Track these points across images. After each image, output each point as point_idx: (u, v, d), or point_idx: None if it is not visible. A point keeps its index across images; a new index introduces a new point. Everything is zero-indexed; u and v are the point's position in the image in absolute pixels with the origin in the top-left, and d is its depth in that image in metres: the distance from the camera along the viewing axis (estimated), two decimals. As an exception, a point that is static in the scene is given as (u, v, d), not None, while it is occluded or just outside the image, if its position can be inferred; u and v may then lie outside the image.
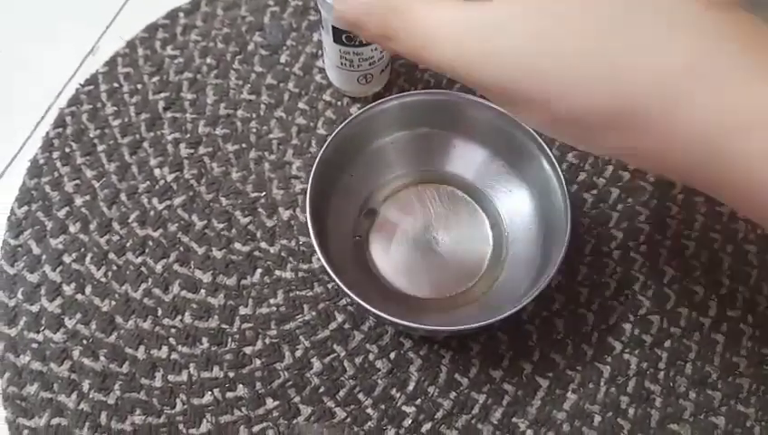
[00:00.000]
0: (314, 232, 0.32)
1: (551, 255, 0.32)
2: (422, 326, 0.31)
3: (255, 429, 0.33)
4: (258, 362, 0.34)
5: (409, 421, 0.33)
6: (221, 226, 0.38)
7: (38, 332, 0.35)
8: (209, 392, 0.34)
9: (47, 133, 0.42)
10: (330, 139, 0.34)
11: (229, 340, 0.35)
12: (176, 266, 0.37)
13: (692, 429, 0.32)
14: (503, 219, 0.37)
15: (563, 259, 0.30)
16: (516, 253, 0.36)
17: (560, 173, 0.33)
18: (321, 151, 0.34)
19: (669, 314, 0.35)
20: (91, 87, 0.43)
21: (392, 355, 0.34)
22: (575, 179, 0.39)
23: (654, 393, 0.33)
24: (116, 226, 0.38)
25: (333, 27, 0.36)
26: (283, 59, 0.44)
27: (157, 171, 0.40)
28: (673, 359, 0.34)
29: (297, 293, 0.36)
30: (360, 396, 0.33)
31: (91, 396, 0.34)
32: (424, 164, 0.38)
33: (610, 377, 0.34)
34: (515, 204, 0.37)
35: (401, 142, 0.38)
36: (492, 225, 0.37)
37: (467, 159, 0.38)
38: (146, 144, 0.41)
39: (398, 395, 0.33)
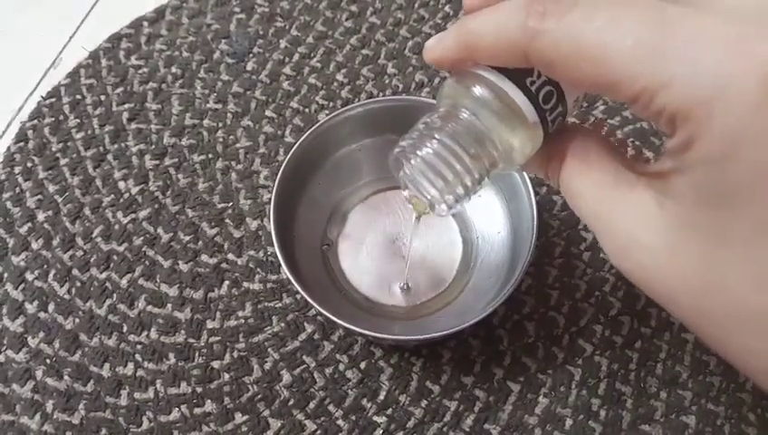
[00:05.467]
0: (279, 243, 0.31)
1: (520, 258, 0.32)
2: (391, 336, 0.31)
3: (224, 444, 0.32)
4: (226, 376, 0.34)
5: (381, 432, 0.32)
6: (187, 238, 0.37)
7: (0, 352, 0.34)
8: (176, 409, 0.33)
9: (8, 148, 0.41)
10: (294, 147, 0.34)
11: (196, 354, 0.34)
12: (141, 281, 0.36)
13: (663, 429, 0.32)
14: (472, 224, 0.37)
15: (530, 262, 0.30)
16: (486, 257, 0.36)
17: (526, 176, 0.33)
18: (286, 160, 0.33)
19: (640, 315, 0.35)
20: (54, 99, 0.42)
21: (363, 365, 0.34)
22: (544, 182, 0.39)
23: (625, 395, 0.33)
24: (79, 241, 0.37)
25: None
26: (249, 67, 0.43)
27: (121, 184, 0.39)
28: (644, 359, 0.34)
29: (266, 304, 0.36)
30: (331, 408, 0.33)
31: (55, 417, 0.33)
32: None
33: (581, 380, 0.34)
34: (485, 208, 0.37)
35: (368, 149, 0.37)
36: (461, 230, 0.37)
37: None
38: (110, 157, 0.40)
39: (369, 405, 0.33)
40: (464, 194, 0.20)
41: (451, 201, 0.20)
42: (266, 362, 0.34)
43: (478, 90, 0.19)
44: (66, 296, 0.36)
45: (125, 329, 0.35)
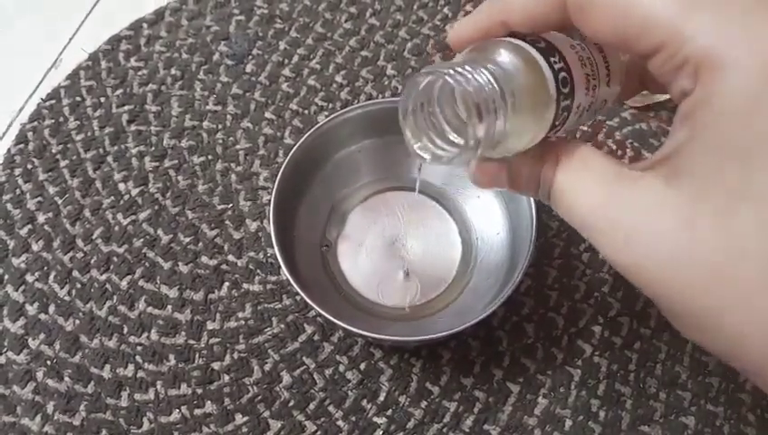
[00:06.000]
0: (279, 244, 0.31)
1: (519, 259, 0.32)
2: (390, 337, 0.31)
3: (225, 445, 0.32)
4: (227, 377, 0.34)
5: (381, 432, 0.32)
6: (187, 239, 0.37)
7: (0, 353, 0.35)
8: (177, 410, 0.33)
9: (8, 150, 0.41)
10: (294, 149, 0.34)
11: (197, 356, 0.34)
12: (141, 282, 0.36)
13: (663, 430, 0.32)
14: (472, 225, 0.37)
15: (529, 263, 0.30)
16: (485, 259, 0.36)
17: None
18: (285, 162, 0.33)
19: (639, 315, 0.35)
20: (53, 101, 0.42)
21: (362, 366, 0.34)
22: (543, 183, 0.39)
23: (624, 395, 0.33)
24: (80, 243, 0.37)
25: None
26: (248, 68, 0.43)
27: (121, 186, 0.39)
28: (643, 360, 0.34)
29: (265, 305, 0.36)
30: (331, 408, 0.33)
31: (55, 418, 0.33)
32: (392, 172, 0.38)
33: (581, 380, 0.34)
34: (484, 209, 0.37)
35: (368, 150, 0.37)
36: (461, 231, 0.37)
37: (435, 165, 0.38)
38: (110, 158, 0.40)
39: (368, 406, 0.33)
40: (485, 137, 0.18)
41: (474, 140, 0.18)
42: (266, 363, 0.34)
43: (505, 50, 0.18)
44: (66, 298, 0.36)
45: (125, 330, 0.35)
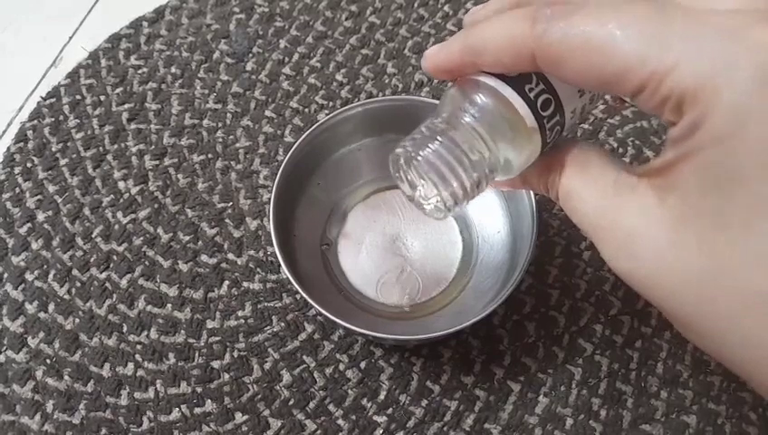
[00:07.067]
0: (279, 243, 0.31)
1: (520, 258, 0.32)
2: (391, 336, 0.31)
3: (225, 444, 0.32)
4: (226, 375, 0.34)
5: (381, 431, 0.32)
6: (187, 238, 0.37)
7: (0, 352, 0.34)
8: (177, 409, 0.33)
9: (8, 148, 0.41)
10: (294, 147, 0.33)
11: (196, 354, 0.34)
12: (141, 281, 0.36)
13: (664, 428, 0.32)
14: (472, 224, 0.37)
15: (530, 262, 0.30)
16: (486, 257, 0.36)
17: (525, 176, 0.33)
18: (285, 160, 0.33)
19: (640, 314, 0.35)
20: (53, 100, 0.42)
21: (363, 364, 0.34)
22: (544, 181, 0.39)
23: (626, 394, 0.33)
24: (79, 241, 0.37)
25: None
26: (249, 67, 0.43)
27: (121, 184, 0.39)
28: (644, 359, 0.34)
29: (265, 304, 0.36)
30: (331, 407, 0.33)
31: (55, 417, 0.33)
32: (392, 170, 0.38)
33: (582, 379, 0.34)
34: (484, 207, 0.37)
35: (368, 149, 0.37)
36: (461, 229, 0.37)
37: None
38: (109, 157, 0.40)
39: (369, 405, 0.33)
40: (462, 197, 0.20)
41: (450, 203, 0.21)
42: (266, 361, 0.34)
43: (479, 95, 0.19)
44: (66, 296, 0.36)
45: (125, 329, 0.35)
